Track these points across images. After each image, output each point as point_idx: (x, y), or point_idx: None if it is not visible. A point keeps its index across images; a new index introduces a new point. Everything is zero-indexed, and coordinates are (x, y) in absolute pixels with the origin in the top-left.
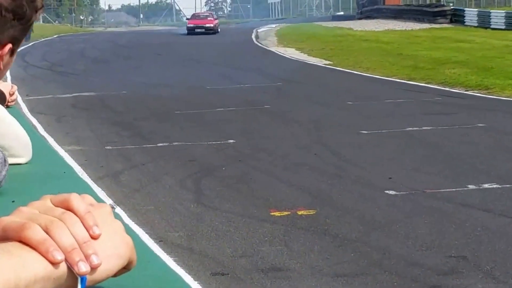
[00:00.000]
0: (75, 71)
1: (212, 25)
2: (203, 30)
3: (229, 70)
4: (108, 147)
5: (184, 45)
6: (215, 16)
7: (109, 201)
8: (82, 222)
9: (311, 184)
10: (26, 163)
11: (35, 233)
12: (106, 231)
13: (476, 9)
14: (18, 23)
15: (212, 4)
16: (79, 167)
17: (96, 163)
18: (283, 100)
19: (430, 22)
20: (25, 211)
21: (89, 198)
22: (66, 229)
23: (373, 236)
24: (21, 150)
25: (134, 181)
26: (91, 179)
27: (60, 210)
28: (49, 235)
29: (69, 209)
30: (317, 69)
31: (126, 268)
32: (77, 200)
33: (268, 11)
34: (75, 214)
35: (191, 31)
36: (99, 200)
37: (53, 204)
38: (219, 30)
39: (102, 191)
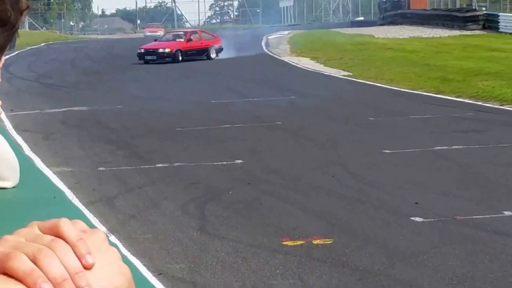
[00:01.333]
0: (65, 84)
1: (176, 50)
2: (155, 57)
3: (236, 82)
4: (101, 168)
5: None
6: (202, 36)
7: (102, 229)
8: (73, 250)
9: (328, 210)
10: (12, 187)
11: (21, 264)
12: (100, 260)
13: None
14: (2, 29)
15: (217, 9)
16: (69, 190)
17: (87, 186)
18: (296, 115)
19: (460, 28)
20: (11, 239)
21: (81, 224)
22: (56, 258)
23: (398, 268)
24: (8, 173)
25: (130, 206)
26: (82, 204)
27: (49, 237)
28: (37, 265)
29: (59, 236)
30: (335, 81)
31: None
32: (68, 226)
33: (279, 16)
34: (66, 241)
35: (142, 58)
36: (91, 227)
37: (41, 231)
38: (214, 55)
39: (94, 218)
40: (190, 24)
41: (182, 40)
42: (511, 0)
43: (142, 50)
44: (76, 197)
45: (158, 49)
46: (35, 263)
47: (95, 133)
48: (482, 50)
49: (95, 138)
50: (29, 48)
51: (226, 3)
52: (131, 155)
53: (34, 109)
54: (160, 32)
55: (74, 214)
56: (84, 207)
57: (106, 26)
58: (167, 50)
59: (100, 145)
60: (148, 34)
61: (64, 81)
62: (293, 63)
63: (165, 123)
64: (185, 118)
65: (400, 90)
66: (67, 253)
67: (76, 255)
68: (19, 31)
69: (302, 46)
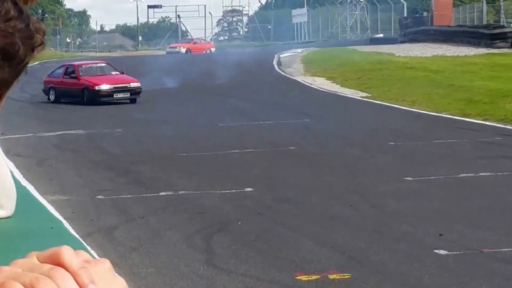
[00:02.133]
0: (60, 105)
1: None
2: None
3: (245, 104)
4: (99, 197)
5: (192, 73)
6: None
7: None
8: (75, 279)
9: (345, 242)
10: (7, 217)
11: None
12: None
13: None
14: (8, 64)
15: (225, 24)
16: (65, 220)
17: (85, 216)
18: (311, 140)
19: (487, 46)
20: (7, 270)
21: (84, 254)
22: (55, 287)
23: None
24: (4, 201)
25: (132, 237)
26: (79, 236)
27: (48, 265)
28: None
29: (59, 264)
30: (352, 102)
31: None
32: (69, 254)
33: (292, 32)
34: (67, 270)
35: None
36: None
37: (40, 261)
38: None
39: (93, 250)
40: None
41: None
42: None
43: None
44: (73, 228)
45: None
46: None
47: (93, 159)
48: (510, 69)
49: (93, 164)
50: None
51: (235, 19)
52: (132, 182)
53: (27, 133)
54: (181, 48)
55: (72, 246)
56: (81, 239)
57: (105, 43)
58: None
59: (99, 171)
60: (169, 50)
61: (59, 102)
62: (307, 84)
63: (169, 148)
64: (190, 143)
65: (422, 113)
66: (68, 281)
67: (78, 285)
68: None
69: (317, 65)
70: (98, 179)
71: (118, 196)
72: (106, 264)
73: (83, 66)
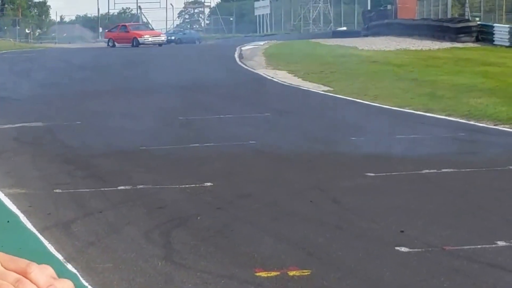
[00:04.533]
0: (19, 97)
1: None
2: None
3: (206, 97)
4: (57, 190)
5: (153, 67)
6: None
7: (58, 256)
8: None
9: (305, 238)
10: None
11: None
12: None
13: (508, 26)
14: None
15: (187, 16)
16: (22, 214)
17: (42, 210)
18: (272, 134)
19: (452, 40)
20: None
21: (49, 270)
22: None
23: None
24: None
25: (89, 232)
26: (36, 229)
27: (14, 276)
28: None
29: (26, 277)
30: (314, 96)
31: None
32: (37, 271)
33: (254, 25)
34: (35, 285)
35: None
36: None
37: (4, 267)
38: None
39: (50, 244)
40: None
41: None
42: (507, 9)
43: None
44: (30, 221)
45: None
46: None
47: (52, 152)
48: (475, 64)
49: (52, 157)
50: None
51: (196, 11)
52: (90, 176)
53: None
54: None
55: (31, 240)
56: (39, 233)
57: (65, 34)
58: None
59: (57, 165)
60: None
61: (18, 94)
62: (268, 77)
63: (128, 142)
64: (150, 136)
65: (385, 108)
66: None
67: None
68: None
69: (278, 58)
70: (56, 173)
71: (76, 190)
72: (69, 283)
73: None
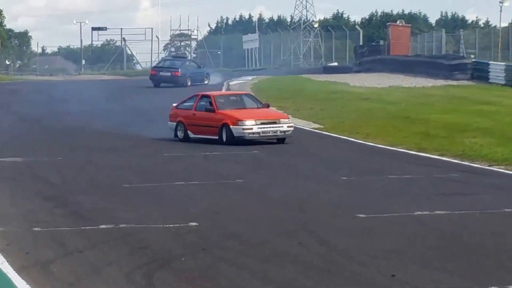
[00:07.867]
0: None
1: None
2: None
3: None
4: (36, 229)
5: (139, 101)
6: None
7: None
8: None
9: (293, 281)
10: None
11: None
12: None
13: (504, 63)
14: None
15: (173, 49)
16: None
17: (20, 249)
18: (260, 172)
19: (446, 77)
20: None
21: None
22: None
23: None
24: None
25: (69, 272)
26: (14, 269)
27: None
28: None
29: None
30: (304, 134)
31: None
32: None
33: (243, 59)
34: None
35: None
36: None
37: None
38: None
39: (27, 285)
40: (141, 66)
41: None
42: (503, 47)
43: None
44: (7, 261)
45: None
46: None
47: (31, 188)
48: (469, 102)
49: (31, 193)
50: None
51: (183, 43)
52: (71, 214)
53: None
54: None
55: (4, 282)
56: (16, 273)
57: (46, 66)
58: None
59: (36, 201)
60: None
61: None
62: None
63: (111, 178)
64: (134, 173)
65: (377, 146)
66: None
67: None
68: None
69: (267, 93)
70: (35, 210)
71: (56, 228)
72: None
73: None
